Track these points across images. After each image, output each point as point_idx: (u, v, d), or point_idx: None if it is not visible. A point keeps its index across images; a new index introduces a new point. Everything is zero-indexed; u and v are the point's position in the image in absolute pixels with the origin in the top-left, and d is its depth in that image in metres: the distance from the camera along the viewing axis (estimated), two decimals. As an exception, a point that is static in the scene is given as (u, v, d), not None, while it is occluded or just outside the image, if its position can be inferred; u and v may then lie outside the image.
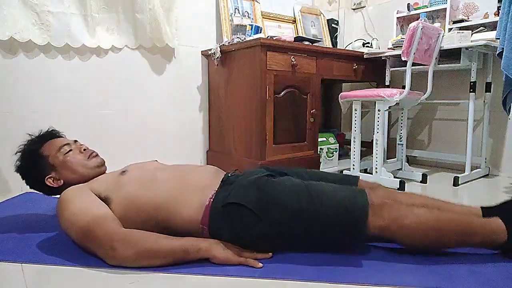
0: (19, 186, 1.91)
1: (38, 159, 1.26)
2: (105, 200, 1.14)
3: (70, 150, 1.28)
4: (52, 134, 1.36)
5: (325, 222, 1.04)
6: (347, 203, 1.04)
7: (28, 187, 1.31)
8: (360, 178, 1.34)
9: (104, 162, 1.34)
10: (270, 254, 1.07)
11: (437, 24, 2.37)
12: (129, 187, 1.15)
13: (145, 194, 1.13)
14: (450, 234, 1.05)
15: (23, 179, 1.30)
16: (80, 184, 1.21)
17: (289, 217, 1.05)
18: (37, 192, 1.83)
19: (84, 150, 1.31)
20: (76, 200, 1.10)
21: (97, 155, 1.33)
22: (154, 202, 1.11)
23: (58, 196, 1.19)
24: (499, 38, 1.84)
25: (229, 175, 1.20)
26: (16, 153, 1.29)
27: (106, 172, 1.34)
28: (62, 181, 1.26)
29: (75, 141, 1.35)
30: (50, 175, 1.26)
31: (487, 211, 1.14)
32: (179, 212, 1.10)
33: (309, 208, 1.04)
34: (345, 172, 2.26)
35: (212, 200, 1.10)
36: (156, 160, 1.42)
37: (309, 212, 1.04)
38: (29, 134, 1.33)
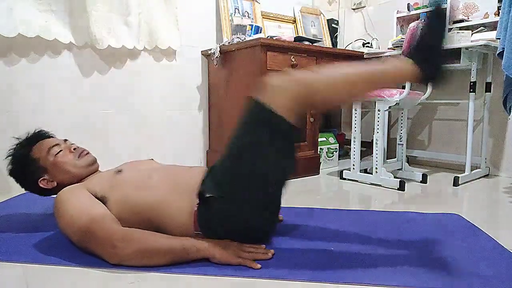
0: (19, 186, 1.91)
1: (29, 163, 1.26)
2: (102, 199, 1.14)
3: (60, 150, 1.27)
4: (40, 135, 1.34)
5: (255, 145, 1.05)
6: (253, 120, 1.08)
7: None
8: None
9: (95, 159, 1.33)
10: (270, 255, 1.07)
11: (437, 24, 2.36)
12: (123, 187, 1.15)
13: (138, 196, 1.13)
14: (361, 84, 1.06)
15: (17, 183, 1.31)
16: (75, 184, 1.21)
17: (237, 174, 1.07)
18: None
19: (74, 149, 1.30)
20: (73, 201, 1.10)
21: (87, 153, 1.32)
22: (146, 205, 1.11)
23: (55, 196, 1.19)
24: (499, 38, 1.84)
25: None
26: (6, 157, 1.29)
27: (98, 169, 1.34)
28: (55, 182, 1.26)
29: (65, 140, 1.34)
30: (42, 177, 1.26)
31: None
32: (172, 216, 1.10)
33: (240, 152, 1.07)
34: (345, 172, 2.27)
35: (198, 204, 1.10)
36: (152, 159, 1.42)
37: (243, 153, 1.06)
38: (17, 138, 1.32)
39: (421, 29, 1.10)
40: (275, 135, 1.05)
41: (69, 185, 1.22)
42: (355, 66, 1.08)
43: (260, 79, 1.06)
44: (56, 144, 1.28)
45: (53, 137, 1.38)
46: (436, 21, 1.08)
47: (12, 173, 1.29)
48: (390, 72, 1.08)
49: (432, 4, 1.09)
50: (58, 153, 1.26)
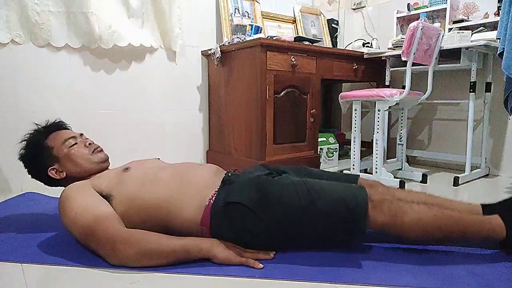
0: (19, 186, 1.91)
1: (43, 150, 1.25)
2: (107, 197, 1.13)
3: (75, 143, 1.28)
4: (58, 125, 1.36)
5: (325, 219, 1.04)
6: (347, 200, 1.04)
7: (28, 187, 1.32)
8: (360, 176, 1.33)
9: (108, 158, 1.33)
10: (272, 255, 1.07)
11: (437, 24, 2.37)
12: (130, 185, 1.15)
13: (146, 194, 1.12)
14: (449, 231, 1.05)
15: (25, 168, 1.29)
16: (82, 181, 1.21)
17: (289, 216, 1.05)
18: (37, 192, 1.84)
19: (89, 144, 1.30)
20: (78, 198, 1.10)
21: (101, 150, 1.33)
22: (154, 202, 1.11)
23: (58, 192, 1.18)
24: (499, 38, 1.84)
25: (229, 174, 1.20)
26: (21, 141, 1.29)
27: (108, 168, 1.33)
28: (64, 174, 1.25)
29: (81, 134, 1.35)
30: (53, 167, 1.25)
31: (487, 209, 1.14)
32: (178, 213, 1.10)
33: (309, 206, 1.04)
34: (345, 172, 2.26)
35: (212, 200, 1.10)
36: (159, 158, 1.42)
37: (309, 210, 1.04)
38: (36, 124, 1.33)
39: None
40: (346, 230, 1.06)
41: (77, 179, 1.22)
42: (450, 208, 1.08)
43: (374, 194, 1.08)
44: (73, 137, 1.29)
45: (70, 129, 1.39)
46: None
47: (23, 157, 1.28)
48: (482, 226, 1.05)
49: None
50: (72, 145, 1.27)
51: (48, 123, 1.35)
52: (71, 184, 1.18)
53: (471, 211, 1.12)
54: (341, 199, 1.05)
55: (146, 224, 1.09)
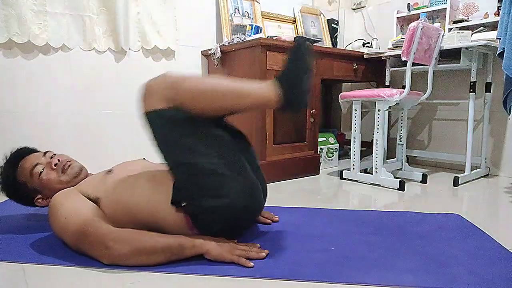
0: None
1: (19, 188, 1.27)
2: (95, 200, 1.14)
3: (42, 169, 1.25)
4: (19, 155, 1.31)
5: (175, 146, 1.07)
6: (150, 127, 1.09)
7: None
8: None
9: (81, 168, 1.31)
10: (264, 254, 1.07)
11: (437, 24, 2.37)
12: (114, 188, 1.15)
13: (127, 197, 1.13)
14: (226, 94, 1.07)
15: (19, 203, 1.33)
16: (69, 188, 1.21)
17: (183, 176, 1.07)
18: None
19: (55, 165, 1.27)
20: (66, 204, 1.11)
21: (70, 165, 1.29)
22: (136, 205, 1.11)
23: None
24: (500, 38, 1.84)
25: None
26: None
27: (88, 174, 1.33)
28: (49, 199, 1.25)
29: (45, 153, 1.31)
30: (37, 197, 1.28)
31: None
32: (165, 218, 1.10)
33: (171, 162, 1.08)
34: (345, 172, 2.27)
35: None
36: (144, 158, 1.42)
37: (174, 161, 1.08)
38: None
39: (287, 58, 1.13)
40: (175, 124, 1.06)
41: None
42: (226, 81, 1.10)
43: (144, 84, 1.09)
44: (37, 164, 1.26)
45: (34, 151, 1.35)
46: (298, 53, 1.10)
47: (9, 197, 1.31)
48: (255, 93, 1.09)
49: (297, 39, 1.11)
50: (40, 173, 1.25)
51: (8, 158, 1.31)
52: (59, 192, 1.18)
53: (250, 83, 1.13)
54: (157, 133, 1.08)
55: (135, 226, 1.09)
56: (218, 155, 1.07)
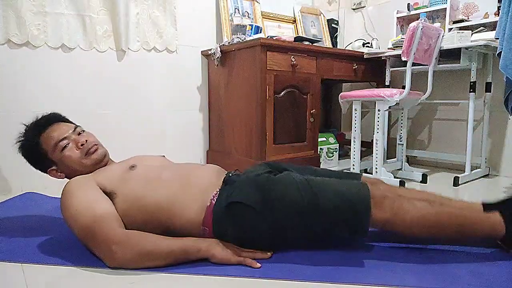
0: (19, 186, 1.91)
1: (38, 154, 1.23)
2: (110, 194, 1.12)
3: (67, 144, 1.21)
4: (49, 120, 1.27)
5: (328, 217, 1.04)
6: (350, 196, 1.04)
7: (28, 187, 1.31)
8: (362, 175, 1.33)
9: (105, 154, 1.27)
10: (269, 254, 1.07)
11: (437, 24, 2.36)
12: (134, 184, 1.14)
13: (148, 193, 1.12)
14: (450, 228, 1.05)
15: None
16: (85, 175, 1.18)
17: (292, 213, 1.05)
18: (37, 192, 1.84)
19: (82, 145, 1.22)
20: (80, 194, 1.09)
21: (96, 150, 1.25)
22: (156, 203, 1.11)
23: (58, 192, 1.17)
24: (498, 38, 1.84)
25: (230, 174, 1.19)
26: (16, 142, 1.25)
27: (109, 162, 1.30)
28: (63, 175, 1.25)
29: (75, 128, 1.27)
30: (51, 168, 1.24)
31: (488, 207, 1.14)
32: (180, 214, 1.09)
33: (311, 203, 1.04)
34: (345, 171, 2.26)
35: (214, 200, 1.10)
36: (164, 156, 1.41)
37: (312, 207, 1.04)
38: (25, 125, 1.27)
39: None
40: (346, 227, 1.05)
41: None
42: (450, 206, 1.08)
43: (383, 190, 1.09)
44: (64, 137, 1.22)
45: (65, 120, 1.32)
46: None
47: (24, 156, 1.26)
48: (482, 226, 1.06)
49: None
50: (64, 147, 1.21)
51: (39, 119, 1.28)
52: (74, 178, 1.16)
53: (472, 208, 1.12)
54: (344, 197, 1.04)
55: (147, 224, 1.09)
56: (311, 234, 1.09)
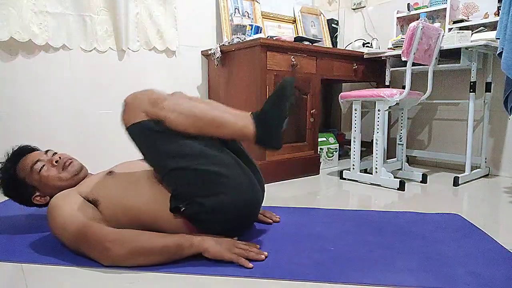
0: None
1: (17, 184, 1.26)
2: (94, 202, 1.14)
3: (43, 165, 1.25)
4: (20, 152, 1.31)
5: (159, 153, 1.09)
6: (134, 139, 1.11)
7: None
8: None
9: (81, 166, 1.31)
10: (263, 256, 1.07)
11: (437, 24, 2.37)
12: (113, 190, 1.15)
13: (129, 198, 1.13)
14: (206, 122, 1.10)
15: (16, 202, 1.31)
16: (68, 189, 1.21)
17: (175, 181, 1.09)
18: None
19: (56, 162, 1.26)
20: (65, 206, 1.10)
21: (71, 162, 1.28)
22: (138, 207, 1.11)
23: None
24: (499, 38, 1.84)
25: None
26: None
27: (88, 173, 1.33)
28: (48, 197, 1.25)
29: (47, 151, 1.31)
30: (35, 194, 1.26)
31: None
32: (164, 219, 1.10)
33: (161, 168, 1.11)
34: (345, 172, 2.27)
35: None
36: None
37: (163, 168, 1.10)
38: None
39: (269, 97, 1.17)
40: (157, 134, 1.09)
41: None
42: (209, 108, 1.14)
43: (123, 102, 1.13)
44: (38, 160, 1.26)
45: (35, 149, 1.35)
46: (282, 95, 1.14)
47: (6, 195, 1.30)
48: (234, 126, 1.13)
49: (284, 80, 1.15)
50: (41, 169, 1.24)
51: (9, 155, 1.31)
52: (57, 194, 1.18)
53: (236, 115, 1.16)
54: (141, 142, 1.11)
55: (135, 228, 1.08)
56: (205, 155, 1.09)
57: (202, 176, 1.06)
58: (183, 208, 1.08)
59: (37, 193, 1.26)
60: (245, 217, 1.17)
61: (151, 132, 1.08)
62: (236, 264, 1.02)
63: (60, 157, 1.28)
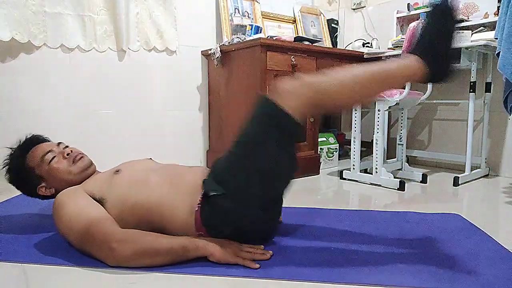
0: (19, 186, 1.91)
1: (25, 172, 1.25)
2: (100, 200, 1.13)
3: (54, 157, 1.25)
4: (32, 141, 1.31)
5: (261, 144, 1.05)
6: (260, 114, 1.07)
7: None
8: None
9: (91, 162, 1.30)
10: (268, 256, 1.07)
11: (437, 24, 2.36)
12: (121, 187, 1.15)
13: (136, 195, 1.12)
14: (370, 84, 1.06)
15: (19, 190, 1.31)
16: (74, 186, 1.20)
17: (243, 173, 1.06)
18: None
19: (68, 154, 1.26)
20: (71, 204, 1.10)
21: (82, 157, 1.28)
22: (145, 204, 1.11)
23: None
24: (497, 38, 1.84)
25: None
26: (2, 167, 1.28)
27: (96, 170, 1.32)
28: (53, 190, 1.25)
29: (59, 144, 1.31)
30: (41, 185, 1.26)
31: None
32: (171, 217, 1.10)
33: (245, 153, 1.07)
34: (345, 172, 2.27)
35: (200, 205, 1.09)
36: (151, 158, 1.42)
37: (247, 152, 1.06)
38: (10, 148, 1.31)
39: (423, 26, 1.10)
40: (282, 133, 1.05)
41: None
42: (362, 67, 1.07)
43: (272, 83, 1.07)
44: (50, 151, 1.25)
45: (47, 140, 1.35)
46: (439, 19, 1.07)
47: (10, 182, 1.29)
48: (398, 70, 1.07)
49: (432, 4, 1.09)
50: (51, 160, 1.24)
51: (21, 143, 1.31)
52: (64, 191, 1.17)
53: (387, 62, 1.12)
54: (256, 119, 1.07)
55: (140, 227, 1.09)
56: (280, 182, 1.11)
57: (253, 192, 1.06)
58: (214, 194, 1.05)
59: (43, 184, 1.25)
60: (257, 239, 1.16)
61: (273, 129, 1.04)
62: (236, 264, 1.02)
63: (71, 151, 1.28)
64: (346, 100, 1.07)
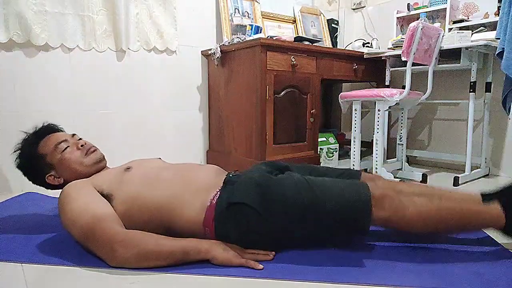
0: (19, 186, 1.91)
1: (36, 159, 1.24)
2: (108, 197, 1.13)
3: (67, 146, 1.25)
4: (48, 129, 1.32)
5: (329, 217, 1.04)
6: (350, 197, 1.05)
7: (28, 187, 1.31)
8: (361, 172, 1.34)
9: (103, 156, 1.32)
10: (271, 256, 1.07)
11: (437, 24, 2.37)
12: (132, 184, 1.14)
13: (148, 193, 1.12)
14: (449, 222, 1.06)
15: (25, 176, 1.30)
16: (82, 180, 1.20)
17: (292, 214, 1.05)
18: (37, 192, 1.84)
19: (82, 146, 1.27)
20: (78, 197, 1.09)
21: (95, 150, 1.30)
22: (156, 202, 1.11)
23: (58, 193, 1.18)
24: (499, 38, 1.84)
25: (231, 175, 1.18)
26: (14, 151, 1.28)
27: (106, 166, 1.32)
28: (62, 179, 1.25)
29: (73, 135, 1.32)
30: (50, 174, 1.25)
31: (487, 197, 1.13)
32: (181, 214, 1.09)
33: (312, 203, 1.04)
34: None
35: (214, 201, 1.10)
36: (160, 158, 1.41)
37: (312, 208, 1.04)
38: (25, 132, 1.31)
39: None
40: (352, 228, 1.07)
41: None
42: (450, 200, 1.08)
43: (378, 179, 1.13)
44: (64, 140, 1.26)
45: (61, 131, 1.36)
46: None
47: (19, 167, 1.28)
48: (482, 216, 1.07)
49: None
50: (65, 149, 1.24)
51: (37, 129, 1.31)
52: (71, 183, 1.17)
53: (471, 201, 1.11)
54: (344, 197, 1.05)
55: (148, 224, 1.09)
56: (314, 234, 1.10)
57: (285, 226, 1.06)
58: (249, 205, 1.05)
59: (52, 173, 1.25)
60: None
61: (350, 223, 1.05)
62: (237, 267, 1.02)
63: (85, 143, 1.29)
64: (421, 230, 1.08)
